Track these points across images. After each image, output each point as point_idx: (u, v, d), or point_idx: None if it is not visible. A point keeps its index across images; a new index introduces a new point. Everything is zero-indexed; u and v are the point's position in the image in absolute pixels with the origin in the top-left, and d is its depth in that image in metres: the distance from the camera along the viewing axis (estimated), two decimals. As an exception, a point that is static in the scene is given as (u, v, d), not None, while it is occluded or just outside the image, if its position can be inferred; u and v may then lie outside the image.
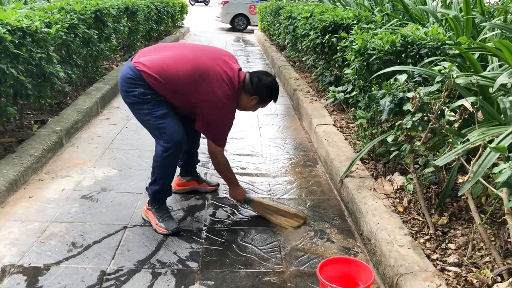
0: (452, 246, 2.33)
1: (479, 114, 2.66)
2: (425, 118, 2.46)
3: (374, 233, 2.47)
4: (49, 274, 2.26)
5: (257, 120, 4.97)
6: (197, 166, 3.25)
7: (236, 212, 2.96)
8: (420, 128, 2.33)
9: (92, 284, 2.21)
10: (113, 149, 3.93)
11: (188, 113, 2.76)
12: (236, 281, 2.29)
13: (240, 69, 2.77)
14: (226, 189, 3.26)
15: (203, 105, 2.62)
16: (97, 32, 5.30)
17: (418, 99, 2.34)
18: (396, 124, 2.49)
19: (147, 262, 2.41)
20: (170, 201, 3.03)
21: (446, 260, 2.23)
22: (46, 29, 3.70)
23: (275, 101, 2.88)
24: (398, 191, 2.87)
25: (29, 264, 2.33)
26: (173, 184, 3.01)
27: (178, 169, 3.07)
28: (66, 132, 3.98)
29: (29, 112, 4.40)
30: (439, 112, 2.43)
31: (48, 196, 3.04)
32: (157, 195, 2.76)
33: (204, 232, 2.72)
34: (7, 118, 3.40)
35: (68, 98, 4.87)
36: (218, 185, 3.29)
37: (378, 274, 2.37)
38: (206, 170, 3.58)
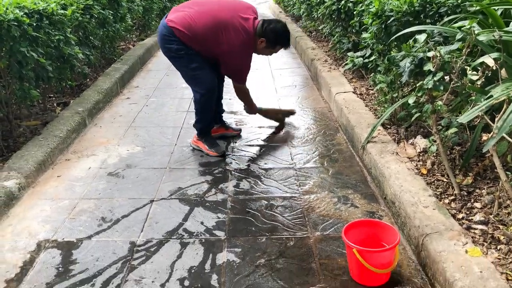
0: (477, 205, 2.32)
1: (503, 71, 2.60)
2: (447, 78, 2.42)
3: (398, 195, 2.47)
4: (81, 247, 2.34)
5: (275, 92, 4.95)
6: (223, 114, 3.82)
7: (259, 183, 2.99)
8: (441, 88, 2.30)
9: (123, 255, 2.28)
10: (135, 127, 3.98)
11: (215, 61, 3.22)
12: (262, 248, 2.33)
13: (255, 18, 3.20)
14: (249, 159, 3.30)
15: (224, 54, 3.11)
16: (112, 12, 5.31)
17: (438, 57, 2.30)
18: (417, 85, 2.45)
19: (175, 233, 2.47)
20: (195, 174, 3.09)
21: (472, 219, 2.22)
22: (62, 11, 3.73)
23: (284, 47, 3.28)
24: (421, 154, 2.85)
25: (63, 239, 2.42)
26: None
27: None
28: (89, 113, 4.04)
29: (52, 95, 4.48)
30: (460, 71, 2.39)
31: (76, 174, 3.12)
32: (203, 129, 3.44)
33: (229, 202, 2.77)
34: (31, 102, 3.48)
35: (88, 79, 4.93)
36: (240, 130, 3.85)
37: (403, 236, 2.38)
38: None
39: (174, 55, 3.16)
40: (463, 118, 1.98)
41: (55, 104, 4.25)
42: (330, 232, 2.45)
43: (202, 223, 2.56)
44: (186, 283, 2.09)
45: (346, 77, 4.67)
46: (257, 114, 3.80)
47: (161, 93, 4.99)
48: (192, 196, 2.84)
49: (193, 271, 2.17)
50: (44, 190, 2.90)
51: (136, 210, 2.69)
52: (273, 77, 5.56)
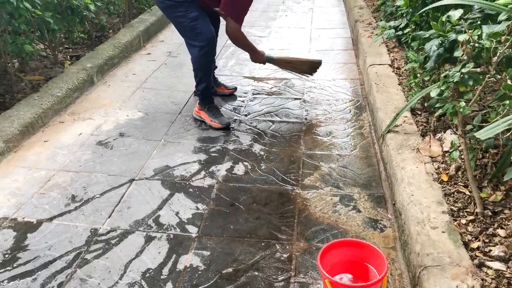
0: (501, 232, 1.86)
1: None
2: (482, 67, 1.90)
3: (405, 207, 2.05)
4: (39, 231, 2.14)
5: (308, 55, 4.46)
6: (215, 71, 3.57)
7: (256, 168, 2.64)
8: (470, 83, 1.79)
9: (79, 246, 2.05)
10: (144, 89, 3.70)
11: (211, 12, 2.96)
12: (234, 253, 2.02)
13: None
14: (254, 137, 2.94)
15: None
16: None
17: (472, 44, 1.78)
18: (442, 75, 1.95)
19: (144, 223, 2.20)
20: (189, 150, 2.79)
21: (490, 251, 1.78)
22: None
23: None
24: (446, 154, 2.37)
25: (23, 218, 2.22)
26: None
27: None
28: (98, 69, 3.79)
29: (68, 47, 4.26)
30: (504, 60, 1.86)
31: (64, 140, 2.91)
32: (205, 92, 3.13)
33: (215, 190, 2.45)
34: (27, 56, 3.25)
35: (111, 31, 4.66)
36: (235, 89, 3.62)
37: (404, 257, 1.98)
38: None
39: (172, 3, 2.85)
40: (484, 133, 1.50)
41: (68, 57, 4.03)
42: (317, 242, 2.08)
43: (177, 213, 2.27)
44: (135, 290, 1.83)
45: (387, 46, 4.09)
46: (267, 63, 3.33)
47: (185, 50, 4.55)
48: (177, 178, 2.55)
49: (147, 275, 1.90)
50: (25, 157, 2.72)
51: (111, 190, 2.44)
52: (310, 38, 5.04)
